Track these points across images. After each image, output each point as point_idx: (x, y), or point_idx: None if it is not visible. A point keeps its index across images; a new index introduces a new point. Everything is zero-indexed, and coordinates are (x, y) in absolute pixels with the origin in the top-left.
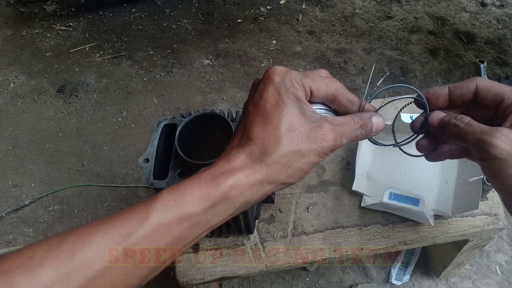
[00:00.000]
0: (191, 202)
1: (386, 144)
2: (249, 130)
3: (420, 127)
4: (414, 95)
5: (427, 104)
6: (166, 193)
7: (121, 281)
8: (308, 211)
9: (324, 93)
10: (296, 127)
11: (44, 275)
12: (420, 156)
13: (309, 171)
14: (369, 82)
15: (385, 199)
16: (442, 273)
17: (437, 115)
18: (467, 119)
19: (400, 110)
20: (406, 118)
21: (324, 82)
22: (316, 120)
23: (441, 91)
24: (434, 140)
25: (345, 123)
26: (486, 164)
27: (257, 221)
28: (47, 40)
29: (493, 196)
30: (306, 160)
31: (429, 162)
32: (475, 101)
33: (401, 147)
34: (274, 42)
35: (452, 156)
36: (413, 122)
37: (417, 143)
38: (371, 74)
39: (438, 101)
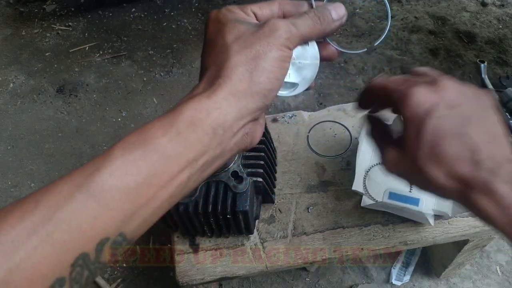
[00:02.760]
0: (154, 133)
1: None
2: (202, 64)
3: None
4: None
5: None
6: (130, 133)
7: (91, 226)
8: (308, 211)
9: (268, 10)
10: (242, 33)
11: (8, 226)
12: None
13: (276, 70)
14: None
15: (385, 199)
16: (443, 274)
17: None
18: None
19: None
20: None
21: (266, 2)
22: (262, 22)
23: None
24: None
25: (295, 16)
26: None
27: (257, 221)
28: (47, 40)
29: None
30: (265, 57)
31: None
32: None
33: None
34: None
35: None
36: None
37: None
38: None
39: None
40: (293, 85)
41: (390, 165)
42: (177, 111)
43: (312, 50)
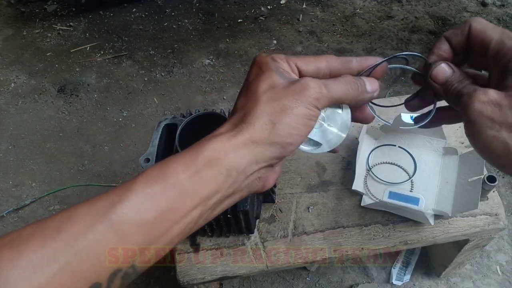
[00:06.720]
0: (174, 170)
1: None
2: (235, 104)
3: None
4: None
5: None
6: (152, 166)
7: (107, 256)
8: (309, 211)
9: (314, 67)
10: (275, 85)
11: (30, 251)
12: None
13: (300, 127)
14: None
15: (385, 198)
16: (443, 273)
17: (443, 73)
18: (466, 81)
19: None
20: (406, 118)
21: (313, 57)
22: (297, 78)
23: (443, 46)
24: (425, 99)
25: (330, 79)
26: (464, 127)
27: (257, 220)
28: (48, 40)
29: (494, 196)
30: (291, 113)
31: (429, 161)
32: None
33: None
34: (275, 42)
35: (446, 121)
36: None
37: (407, 103)
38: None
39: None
40: (317, 143)
41: (486, 107)
42: (198, 149)
43: (344, 117)
